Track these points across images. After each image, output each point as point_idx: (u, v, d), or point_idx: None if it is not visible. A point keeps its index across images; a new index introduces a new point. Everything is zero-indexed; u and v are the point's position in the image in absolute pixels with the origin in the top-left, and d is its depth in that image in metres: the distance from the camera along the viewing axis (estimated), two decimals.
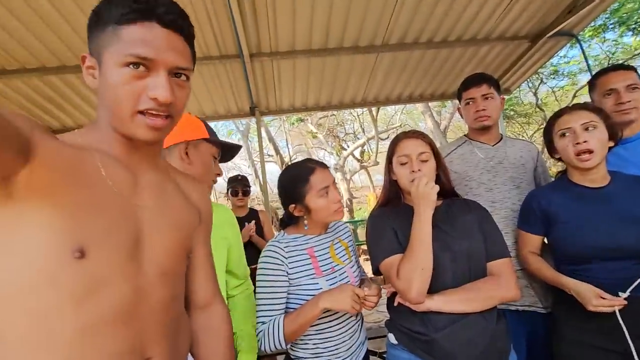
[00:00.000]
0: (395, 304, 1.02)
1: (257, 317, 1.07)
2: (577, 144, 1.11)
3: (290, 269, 1.09)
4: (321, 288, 1.08)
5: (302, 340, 1.12)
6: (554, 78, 9.99)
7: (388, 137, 14.40)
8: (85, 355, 0.53)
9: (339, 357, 1.11)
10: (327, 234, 1.23)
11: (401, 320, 1.03)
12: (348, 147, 13.08)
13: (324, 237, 1.20)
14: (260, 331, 1.04)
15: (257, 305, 1.08)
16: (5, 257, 0.49)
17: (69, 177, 0.53)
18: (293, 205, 1.15)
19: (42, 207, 0.50)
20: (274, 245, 1.12)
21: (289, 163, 9.59)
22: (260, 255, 1.14)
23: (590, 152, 1.09)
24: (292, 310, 1.09)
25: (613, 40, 8.27)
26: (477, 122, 1.48)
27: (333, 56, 2.95)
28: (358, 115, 13.40)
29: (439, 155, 1.10)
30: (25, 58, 2.48)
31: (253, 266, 2.31)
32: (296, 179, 1.13)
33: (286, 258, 1.10)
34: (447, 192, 1.13)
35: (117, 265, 0.57)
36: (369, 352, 1.23)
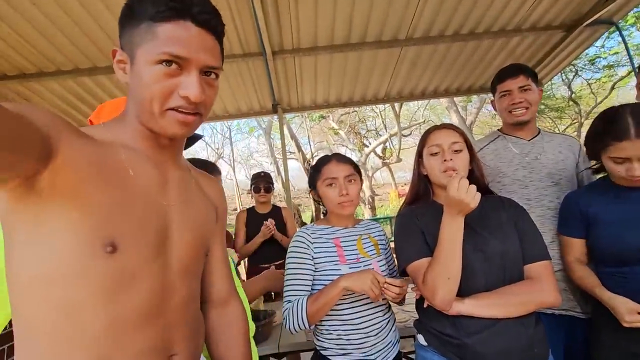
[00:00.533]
0: (425, 306, 0.98)
1: (285, 297, 1.13)
2: (632, 175, 0.99)
3: (315, 253, 1.15)
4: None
5: (327, 330, 1.14)
6: (589, 69, 9.42)
7: (410, 134, 14.14)
8: (114, 351, 0.53)
9: (364, 352, 1.10)
10: (356, 228, 1.26)
11: (431, 322, 1.00)
12: (370, 144, 12.95)
13: (352, 231, 1.24)
14: (286, 309, 1.10)
15: (285, 286, 1.14)
16: (34, 250, 0.50)
17: (96, 174, 0.54)
18: (311, 189, 1.28)
19: (71, 205, 0.51)
20: (301, 232, 1.21)
21: (310, 160, 9.64)
22: (290, 243, 1.21)
23: None
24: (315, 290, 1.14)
25: None
26: (513, 116, 1.39)
27: (355, 51, 2.91)
28: (380, 112, 13.22)
29: (472, 149, 1.04)
30: (60, 60, 2.59)
31: (278, 262, 2.36)
32: (315, 167, 1.26)
33: (312, 243, 1.16)
34: (480, 189, 1.06)
35: (147, 261, 0.57)
36: (400, 355, 1.20)
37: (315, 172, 1.24)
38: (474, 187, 0.86)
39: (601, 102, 10.23)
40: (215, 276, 0.80)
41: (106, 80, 2.88)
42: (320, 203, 1.27)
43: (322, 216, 1.40)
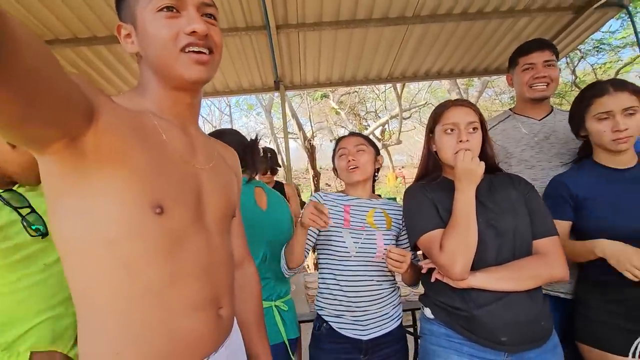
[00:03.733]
0: (433, 279, 0.99)
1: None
2: (618, 130, 1.04)
3: None
4: (343, 237, 1.19)
5: (327, 290, 1.22)
6: (595, 54, 9.27)
7: (410, 116, 14.02)
8: (175, 304, 0.57)
9: (356, 317, 1.16)
10: (372, 201, 1.30)
11: (439, 295, 1.01)
12: (369, 125, 12.86)
13: (367, 202, 1.29)
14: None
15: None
16: (88, 214, 0.52)
17: (135, 140, 0.56)
18: (333, 166, 1.38)
19: (118, 168, 0.52)
20: (315, 194, 1.32)
21: (311, 140, 9.58)
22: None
23: (628, 138, 1.04)
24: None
25: None
26: (534, 91, 1.36)
27: (361, 28, 2.85)
28: (380, 94, 13.06)
29: (485, 127, 1.04)
30: (59, 30, 2.52)
31: None
32: (335, 144, 1.37)
33: (321, 203, 1.20)
34: (490, 166, 1.07)
35: (190, 221, 0.61)
36: (402, 330, 1.24)
37: (334, 149, 1.37)
38: (476, 157, 0.95)
39: None
40: (235, 239, 0.83)
41: (105, 50, 2.80)
42: (338, 177, 1.37)
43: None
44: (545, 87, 1.35)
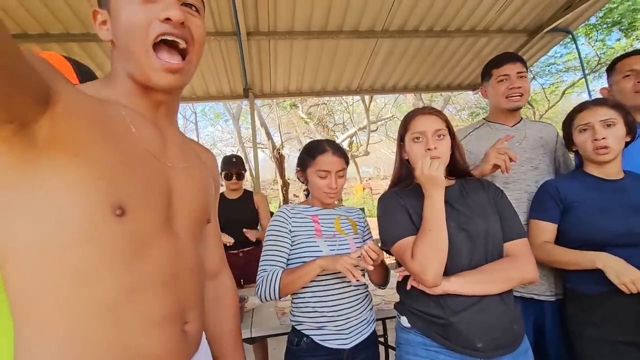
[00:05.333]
0: (408, 287, 0.98)
1: (260, 267, 1.16)
2: (596, 140, 1.14)
3: (292, 227, 1.20)
4: (319, 246, 1.16)
5: (303, 304, 1.16)
6: (543, 75, 10.16)
7: (377, 129, 14.42)
8: (132, 319, 0.50)
9: (338, 326, 1.13)
10: (336, 210, 1.30)
11: (415, 302, 1.00)
12: (337, 137, 13.04)
13: (332, 211, 1.29)
14: (260, 277, 1.12)
15: (261, 256, 1.18)
16: (35, 213, 0.45)
17: (98, 130, 0.49)
18: (298, 169, 1.30)
19: (74, 162, 0.46)
20: (282, 208, 1.25)
21: (280, 149, 9.49)
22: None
23: (607, 147, 1.12)
24: (292, 265, 1.19)
25: (599, 40, 8.45)
26: (510, 101, 1.41)
27: (332, 39, 2.89)
28: (348, 106, 13.34)
29: (453, 133, 1.06)
30: (30, 24, 2.32)
31: (247, 248, 2.33)
32: (310, 150, 1.27)
33: (290, 217, 1.21)
34: (460, 172, 1.10)
35: (156, 225, 0.54)
36: (376, 334, 1.22)
37: (308, 158, 1.25)
38: (435, 160, 0.94)
39: (553, 106, 11.07)
40: (209, 246, 0.77)
41: (77, 48, 2.62)
42: (305, 183, 1.31)
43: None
44: (520, 97, 1.42)
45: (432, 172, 0.93)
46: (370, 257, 1.00)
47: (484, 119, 1.58)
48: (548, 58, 9.66)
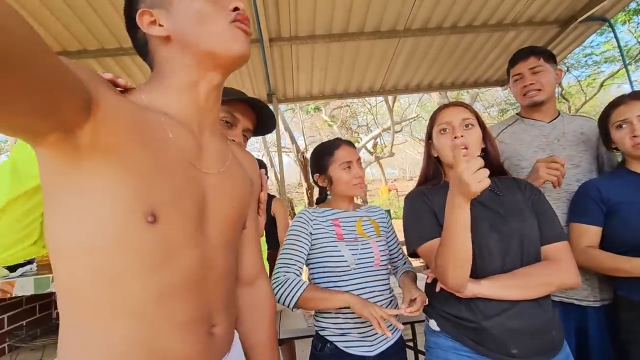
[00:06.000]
0: (437, 290, 0.95)
1: (276, 267, 1.15)
2: (635, 136, 1.08)
3: (313, 229, 1.19)
4: (340, 251, 1.14)
5: (326, 310, 1.14)
6: (579, 67, 9.59)
7: (402, 130, 14.20)
8: (159, 321, 0.52)
9: (362, 334, 1.11)
10: (357, 212, 1.28)
11: (444, 306, 0.97)
12: (361, 139, 12.97)
13: (353, 213, 1.26)
14: (278, 279, 1.10)
15: (279, 256, 1.16)
16: (76, 216, 0.48)
17: (136, 136, 0.51)
18: (317, 174, 1.29)
19: (112, 168, 0.48)
20: (303, 210, 1.25)
21: (305, 152, 9.57)
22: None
23: None
24: (313, 270, 1.20)
25: None
26: (527, 98, 1.37)
27: (353, 41, 2.88)
28: (371, 107, 13.24)
29: (485, 127, 1.01)
30: (67, 40, 2.49)
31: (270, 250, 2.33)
32: (323, 151, 1.27)
33: (311, 220, 1.20)
34: (495, 169, 1.03)
35: (187, 231, 0.56)
36: (402, 340, 1.20)
37: (326, 157, 1.26)
38: (485, 171, 0.76)
39: (590, 99, 10.44)
40: (247, 252, 0.77)
41: (112, 62, 2.78)
42: (326, 188, 1.30)
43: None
44: (537, 92, 1.36)
45: (471, 179, 0.75)
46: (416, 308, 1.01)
47: (517, 114, 1.51)
48: (583, 49, 9.14)
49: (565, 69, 9.35)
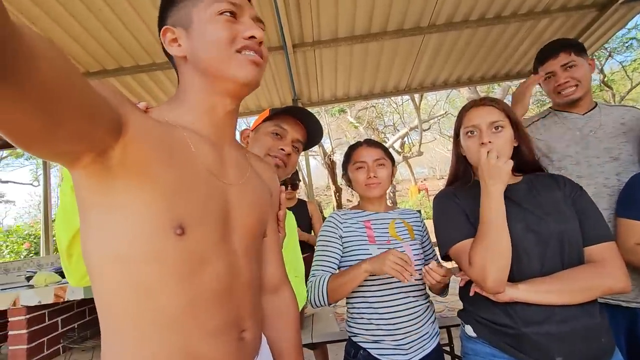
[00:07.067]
0: (471, 293, 0.91)
1: (311, 273, 1.16)
2: None
3: (344, 232, 1.18)
4: (372, 255, 1.10)
5: (358, 315, 1.14)
6: (623, 51, 8.90)
7: (430, 128, 13.86)
8: (193, 328, 0.54)
9: (396, 341, 1.08)
10: (389, 213, 1.26)
11: (480, 311, 0.93)
12: (388, 139, 12.79)
13: (386, 215, 1.25)
14: (310, 282, 1.13)
15: (313, 263, 1.18)
16: (108, 230, 0.51)
17: (162, 153, 0.54)
18: (343, 173, 1.32)
19: (140, 184, 0.51)
20: (333, 214, 1.25)
21: (331, 155, 9.59)
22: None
23: None
24: None
25: None
26: (563, 97, 1.30)
27: (376, 41, 2.86)
28: (398, 107, 13.03)
29: (517, 124, 0.96)
30: (123, 57, 2.66)
31: (306, 254, 2.38)
32: (346, 152, 1.31)
33: (341, 223, 1.20)
34: (529, 166, 1.00)
35: (213, 242, 0.58)
36: (440, 348, 1.16)
37: (346, 158, 1.29)
38: (506, 153, 0.90)
39: (637, 85, 9.65)
40: (269, 260, 0.79)
41: (147, 77, 2.94)
42: (351, 187, 1.32)
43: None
44: (574, 89, 1.29)
45: (498, 164, 0.85)
46: (434, 277, 0.98)
47: (550, 107, 1.44)
48: (627, 32, 8.49)
49: (607, 54, 8.70)
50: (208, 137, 0.63)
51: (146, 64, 2.79)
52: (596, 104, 1.34)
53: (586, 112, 1.33)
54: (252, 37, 0.60)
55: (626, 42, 8.67)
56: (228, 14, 0.60)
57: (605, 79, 9.13)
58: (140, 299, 0.52)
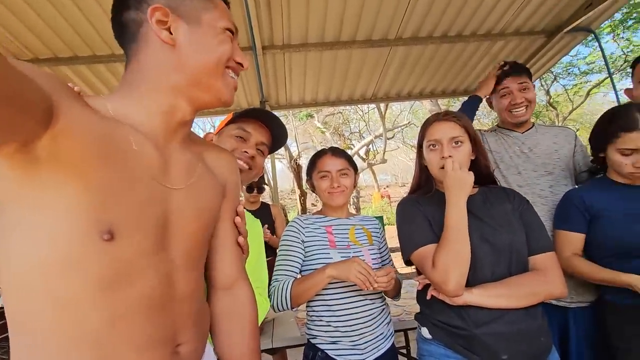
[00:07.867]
0: (428, 297, 0.96)
1: (273, 277, 1.16)
2: (638, 167, 1.06)
3: (306, 237, 1.20)
4: (332, 258, 1.14)
5: (317, 317, 1.15)
6: (566, 76, 9.85)
7: (394, 136, 14.32)
8: (118, 344, 0.49)
9: (353, 341, 1.11)
10: (350, 220, 1.29)
11: (436, 313, 0.97)
12: (354, 146, 13.03)
13: (347, 221, 1.28)
14: (272, 287, 1.13)
15: (275, 267, 1.18)
16: (28, 234, 0.45)
17: (98, 150, 0.49)
18: (307, 178, 1.36)
19: (69, 181, 0.46)
20: (295, 219, 1.27)
21: (297, 159, 9.59)
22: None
23: None
24: None
25: (626, 39, 8.13)
26: (514, 116, 1.43)
27: (345, 49, 2.92)
28: (364, 114, 13.34)
29: (476, 138, 1.03)
30: (58, 46, 2.47)
31: (269, 258, 2.35)
32: (311, 160, 1.34)
33: (303, 228, 1.22)
34: (484, 178, 1.06)
35: (146, 250, 0.53)
36: (394, 348, 1.20)
37: (311, 165, 1.32)
38: (465, 165, 0.96)
39: (577, 107, 10.70)
40: (223, 255, 0.73)
41: (104, 68, 2.76)
42: (315, 192, 1.35)
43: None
44: (524, 110, 1.42)
45: (459, 174, 0.92)
46: (383, 282, 1.01)
47: (497, 125, 1.58)
48: (570, 58, 9.38)
49: (553, 77, 9.56)
50: (154, 136, 0.58)
51: (104, 55, 2.63)
52: (533, 124, 1.50)
53: (525, 131, 1.48)
54: (240, 64, 0.64)
55: (568, 69, 9.60)
56: (230, 32, 0.63)
57: (551, 100, 10.02)
58: (57, 312, 0.46)
